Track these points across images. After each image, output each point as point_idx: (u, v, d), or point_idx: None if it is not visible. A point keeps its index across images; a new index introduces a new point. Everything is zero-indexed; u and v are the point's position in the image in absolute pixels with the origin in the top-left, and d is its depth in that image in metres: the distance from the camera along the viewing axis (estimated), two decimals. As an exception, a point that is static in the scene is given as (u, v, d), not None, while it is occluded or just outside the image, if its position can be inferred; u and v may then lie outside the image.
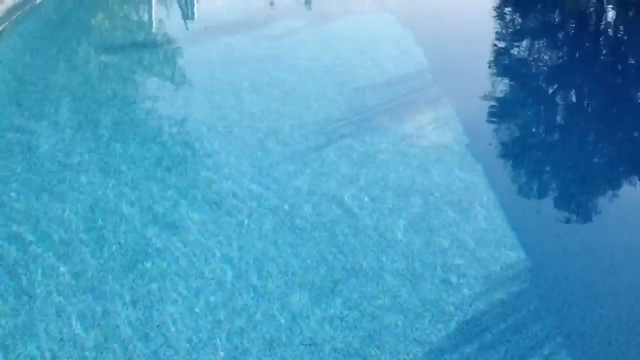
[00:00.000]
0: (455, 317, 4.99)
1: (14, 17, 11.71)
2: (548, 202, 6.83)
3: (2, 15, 11.50)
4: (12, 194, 6.34)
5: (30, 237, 5.70)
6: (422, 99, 8.89)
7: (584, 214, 6.73)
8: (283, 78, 9.26)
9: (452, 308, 5.07)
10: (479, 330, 4.90)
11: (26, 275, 5.27)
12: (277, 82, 9.12)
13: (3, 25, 11.25)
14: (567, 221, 6.52)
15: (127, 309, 4.97)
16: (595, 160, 7.71)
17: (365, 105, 8.50)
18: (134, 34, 11.96)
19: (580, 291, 5.32)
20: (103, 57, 10.28)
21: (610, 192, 7.03)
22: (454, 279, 5.38)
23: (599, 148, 8.04)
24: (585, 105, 9.42)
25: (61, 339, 4.70)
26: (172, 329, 4.81)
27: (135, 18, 13.14)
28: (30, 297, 5.05)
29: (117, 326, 4.82)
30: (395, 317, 4.97)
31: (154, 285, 5.21)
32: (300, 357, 4.62)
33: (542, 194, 7.00)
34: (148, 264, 5.43)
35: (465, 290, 5.25)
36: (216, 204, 6.28)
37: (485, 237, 5.90)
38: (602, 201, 6.90)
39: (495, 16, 12.87)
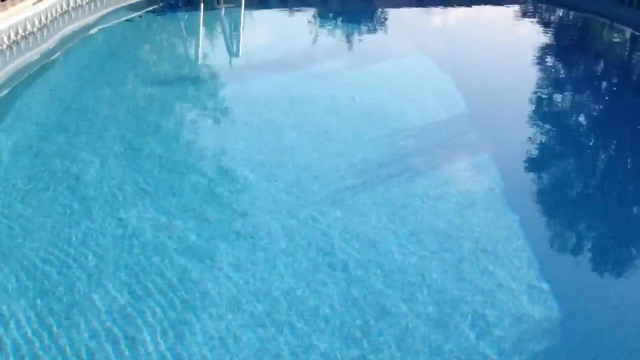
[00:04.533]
0: (485, 366, 4.94)
1: (67, 47, 12.16)
2: (584, 254, 6.74)
3: (55, 45, 11.96)
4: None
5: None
6: (459, 144, 8.91)
7: (620, 268, 6.62)
8: (322, 117, 9.40)
9: (482, 358, 5.02)
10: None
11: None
12: (316, 121, 9.25)
13: (57, 55, 11.70)
14: (603, 274, 6.44)
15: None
16: (634, 214, 7.60)
17: (403, 147, 8.55)
18: (180, 68, 12.29)
19: (614, 346, 5.22)
20: (149, 89, 10.58)
21: (648, 248, 6.93)
22: (485, 327, 5.33)
23: (638, 203, 7.94)
24: (626, 159, 9.34)
25: None
26: None
27: (182, 52, 13.52)
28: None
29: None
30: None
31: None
32: None
33: (577, 246, 6.91)
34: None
35: (496, 340, 5.19)
36: (251, 237, 6.37)
37: (519, 287, 5.84)
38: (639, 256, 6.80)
39: (536, 64, 12.92)
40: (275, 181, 7.45)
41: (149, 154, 8.04)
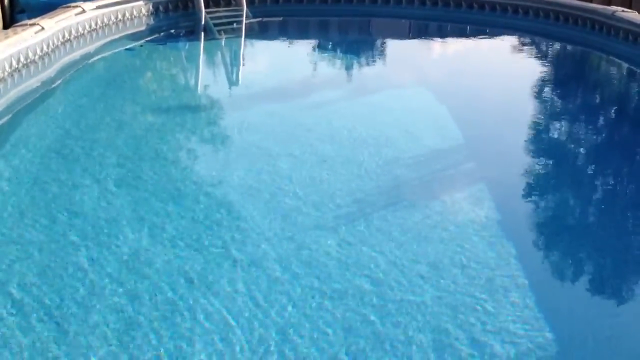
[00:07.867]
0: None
1: (68, 75, 12.28)
2: (580, 285, 6.76)
3: (56, 73, 12.08)
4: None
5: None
6: (455, 175, 8.97)
7: (617, 298, 6.64)
8: (320, 146, 9.46)
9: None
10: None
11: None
12: (314, 150, 9.31)
13: (58, 82, 11.81)
14: (599, 305, 6.45)
15: None
16: (632, 245, 7.63)
17: (399, 177, 8.61)
18: (180, 96, 12.38)
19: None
20: (148, 117, 10.67)
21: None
22: (480, 356, 5.33)
23: (636, 234, 7.97)
24: (624, 189, 9.39)
25: None
26: None
27: (182, 81, 13.65)
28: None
29: None
30: None
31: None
32: None
33: (574, 276, 6.94)
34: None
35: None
36: (250, 265, 6.39)
37: (514, 316, 5.85)
38: (636, 287, 6.80)
39: (534, 96, 13.04)
40: (272, 210, 7.49)
41: (146, 182, 8.09)
